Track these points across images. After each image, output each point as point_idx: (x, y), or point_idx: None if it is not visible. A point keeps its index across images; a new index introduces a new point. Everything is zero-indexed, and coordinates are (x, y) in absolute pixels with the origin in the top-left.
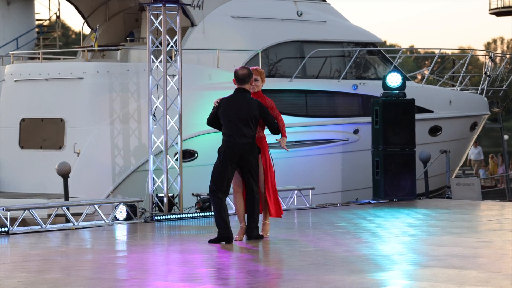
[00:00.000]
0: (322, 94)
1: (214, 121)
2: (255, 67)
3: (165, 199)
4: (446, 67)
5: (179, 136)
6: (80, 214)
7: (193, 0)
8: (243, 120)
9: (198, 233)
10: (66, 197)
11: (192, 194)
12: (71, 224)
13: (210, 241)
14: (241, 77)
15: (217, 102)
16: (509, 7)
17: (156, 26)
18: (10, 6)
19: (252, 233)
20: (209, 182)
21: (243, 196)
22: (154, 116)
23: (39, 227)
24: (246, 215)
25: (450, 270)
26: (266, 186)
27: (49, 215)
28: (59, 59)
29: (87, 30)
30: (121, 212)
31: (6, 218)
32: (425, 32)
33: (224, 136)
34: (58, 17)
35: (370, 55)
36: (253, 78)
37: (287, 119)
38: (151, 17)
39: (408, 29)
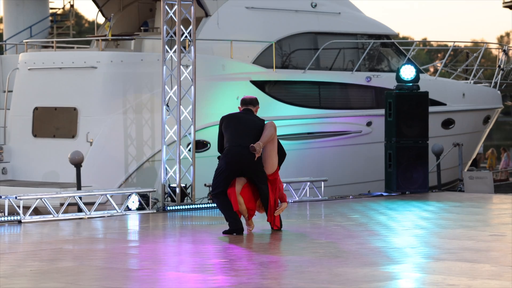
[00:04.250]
0: (336, 86)
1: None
2: None
3: (177, 190)
4: (459, 60)
5: (192, 126)
6: (92, 204)
7: None
8: (248, 132)
9: (210, 223)
10: (79, 186)
11: (205, 185)
12: (84, 214)
13: (224, 232)
14: (248, 100)
15: None
16: None
17: (171, 16)
18: None
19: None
20: None
21: (244, 198)
22: (168, 106)
23: (51, 216)
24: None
25: (463, 263)
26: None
27: (62, 204)
28: (73, 48)
29: (101, 20)
30: (134, 202)
31: (18, 207)
32: (438, 24)
33: (227, 143)
34: (72, 6)
35: (383, 47)
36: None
37: (300, 111)
38: (166, 7)
39: (420, 21)
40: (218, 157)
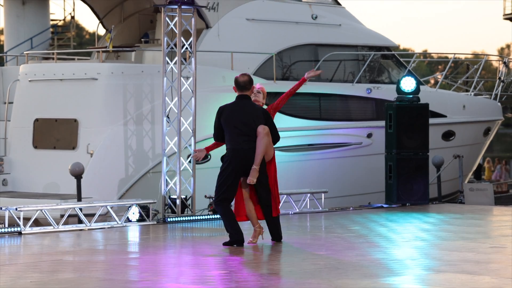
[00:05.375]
0: (336, 97)
1: (221, 134)
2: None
3: (177, 201)
4: (459, 72)
5: (192, 138)
6: (92, 215)
7: (208, 2)
8: (248, 126)
9: (211, 235)
10: (79, 198)
11: (205, 196)
12: (84, 225)
13: (225, 244)
14: (242, 84)
15: None
16: None
17: (171, 27)
18: (25, 6)
19: (279, 236)
20: None
21: (253, 201)
22: (168, 117)
23: (51, 227)
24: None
25: (463, 275)
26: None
27: (62, 216)
28: (73, 59)
29: (101, 31)
30: (134, 213)
31: (19, 218)
32: (438, 35)
33: (228, 143)
34: (72, 17)
35: (384, 59)
36: (255, 88)
37: (300, 122)
38: (166, 18)
39: (421, 32)
40: (222, 158)
